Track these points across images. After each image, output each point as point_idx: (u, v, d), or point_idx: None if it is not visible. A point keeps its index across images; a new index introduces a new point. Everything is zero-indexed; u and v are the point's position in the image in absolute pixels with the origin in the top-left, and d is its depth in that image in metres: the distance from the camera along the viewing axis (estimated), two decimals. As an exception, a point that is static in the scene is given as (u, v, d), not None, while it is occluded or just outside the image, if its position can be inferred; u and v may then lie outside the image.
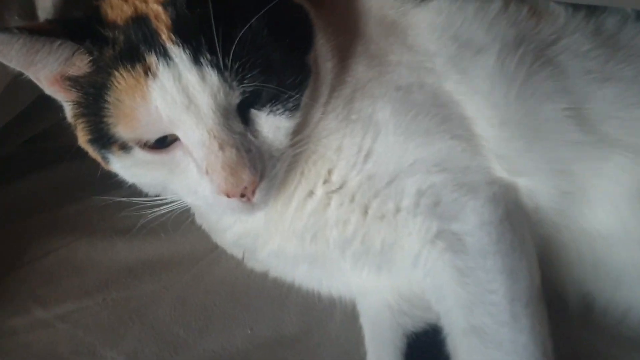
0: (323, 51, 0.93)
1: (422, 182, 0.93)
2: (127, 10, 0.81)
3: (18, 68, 0.81)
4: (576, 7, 1.03)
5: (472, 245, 0.90)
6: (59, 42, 0.78)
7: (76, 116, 0.87)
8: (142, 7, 0.81)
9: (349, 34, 1.01)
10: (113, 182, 0.96)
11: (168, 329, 1.06)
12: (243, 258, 1.12)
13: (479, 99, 0.97)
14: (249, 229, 1.03)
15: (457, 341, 0.89)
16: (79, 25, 0.82)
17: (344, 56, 0.98)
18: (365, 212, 0.94)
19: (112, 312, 1.08)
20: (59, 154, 1.20)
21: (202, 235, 1.12)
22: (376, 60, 0.98)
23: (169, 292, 1.12)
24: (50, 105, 0.97)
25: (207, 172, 0.81)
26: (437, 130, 0.95)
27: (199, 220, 1.11)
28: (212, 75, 0.77)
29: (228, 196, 0.82)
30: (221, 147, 0.79)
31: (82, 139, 0.88)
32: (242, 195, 0.82)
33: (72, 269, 1.15)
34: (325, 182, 0.95)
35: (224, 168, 0.79)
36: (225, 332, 1.06)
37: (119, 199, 0.94)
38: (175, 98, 0.78)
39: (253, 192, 0.83)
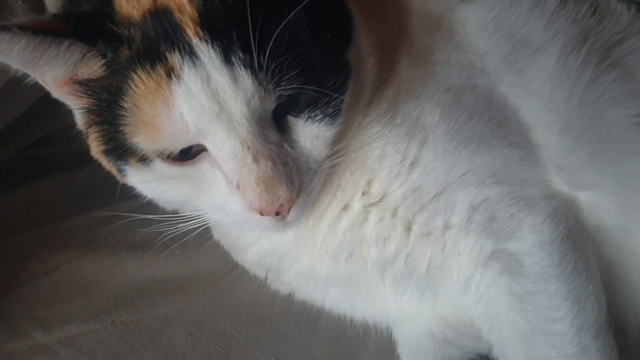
0: (364, 46, 0.89)
1: (475, 195, 0.89)
2: (145, 3, 0.75)
3: (21, 69, 0.76)
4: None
5: (532, 267, 0.87)
6: (67, 43, 0.72)
7: (88, 124, 0.82)
8: None
9: (389, 28, 0.98)
10: (124, 193, 0.92)
11: (183, 357, 1.04)
12: (266, 278, 1.07)
13: (538, 103, 0.94)
14: (274, 247, 0.98)
15: None
16: (90, 23, 0.76)
17: (386, 52, 0.94)
18: (409, 229, 0.90)
19: (121, 337, 1.06)
20: (63, 161, 1.30)
21: (221, 253, 1.08)
22: (421, 59, 0.95)
23: (184, 315, 1.10)
24: (53, 107, 0.91)
25: (238, 187, 0.76)
26: (492, 136, 0.91)
27: (217, 236, 1.07)
28: (246, 78, 0.72)
29: (261, 214, 0.77)
30: (255, 160, 0.75)
31: (96, 149, 0.83)
32: (277, 213, 0.78)
33: (76, 288, 1.14)
34: (364, 194, 0.90)
35: (258, 183, 0.75)
36: (264, 348, 1.05)
37: (131, 216, 0.91)
38: (204, 104, 0.73)
39: (289, 210, 0.79)
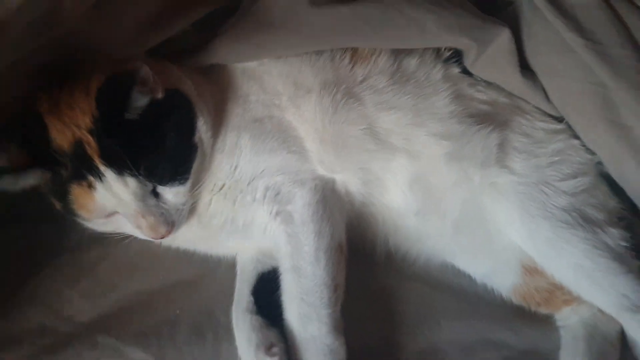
0: (203, 130, 1.10)
1: (268, 181, 1.14)
2: (69, 135, 0.95)
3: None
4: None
5: (297, 218, 1.12)
6: (33, 170, 0.97)
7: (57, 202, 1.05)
8: (77, 132, 0.94)
9: (223, 91, 1.20)
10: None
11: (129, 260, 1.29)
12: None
13: (307, 125, 1.17)
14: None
15: (285, 275, 1.11)
16: (43, 154, 0.96)
17: (219, 112, 1.16)
18: (234, 203, 1.16)
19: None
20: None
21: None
22: (241, 100, 1.18)
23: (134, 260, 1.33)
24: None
25: (140, 229, 1.04)
26: (278, 148, 1.15)
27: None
28: (131, 182, 0.97)
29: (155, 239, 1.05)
30: (143, 216, 1.01)
31: (58, 208, 1.06)
32: (162, 237, 1.05)
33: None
34: (212, 189, 1.16)
35: (148, 228, 1.02)
36: (153, 276, 1.29)
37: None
38: (110, 199, 0.98)
39: (169, 233, 1.06)
